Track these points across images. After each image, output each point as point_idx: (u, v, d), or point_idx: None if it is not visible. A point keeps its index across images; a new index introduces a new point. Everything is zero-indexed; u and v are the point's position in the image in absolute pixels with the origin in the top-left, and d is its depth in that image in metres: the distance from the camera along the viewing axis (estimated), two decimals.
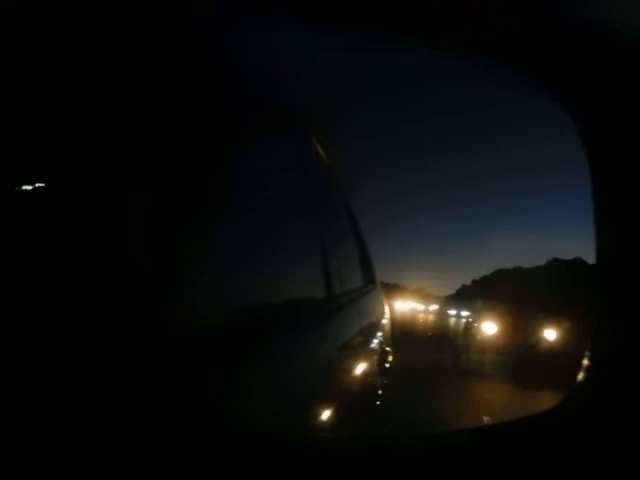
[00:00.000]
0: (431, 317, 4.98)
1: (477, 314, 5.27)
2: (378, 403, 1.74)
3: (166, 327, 0.62)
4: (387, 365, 2.05)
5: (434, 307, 4.96)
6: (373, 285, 2.42)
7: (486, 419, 2.55)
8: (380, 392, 1.82)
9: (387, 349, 2.17)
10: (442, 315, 5.27)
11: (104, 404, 0.55)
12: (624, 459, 0.81)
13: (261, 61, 0.91)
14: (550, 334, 4.71)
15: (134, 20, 0.71)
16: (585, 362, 0.97)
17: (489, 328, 5.19)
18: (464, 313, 5.38)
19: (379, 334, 2.11)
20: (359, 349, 1.58)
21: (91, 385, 0.55)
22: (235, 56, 0.85)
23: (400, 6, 0.84)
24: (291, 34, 0.88)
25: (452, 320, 5.43)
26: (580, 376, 0.96)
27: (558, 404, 0.94)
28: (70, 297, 0.57)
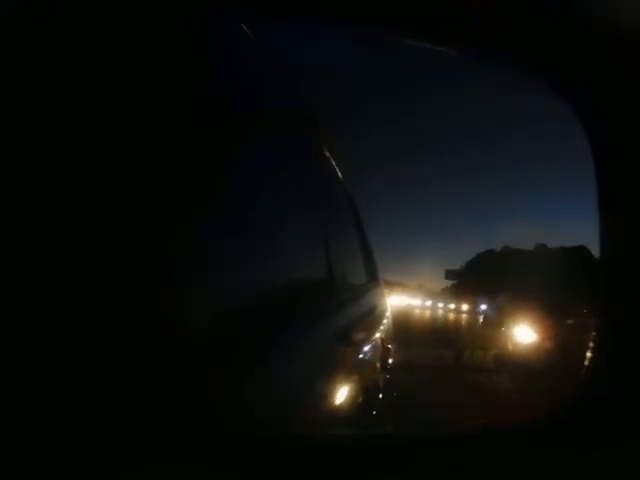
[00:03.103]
0: (432, 312, 4.65)
1: (499, 313, 4.35)
2: (379, 400, 1.74)
3: (165, 325, 0.63)
4: (389, 363, 2.05)
5: (429, 302, 4.53)
6: (376, 282, 2.42)
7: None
8: (382, 390, 1.82)
9: (389, 346, 2.17)
10: (444, 310, 4.88)
11: (103, 405, 0.55)
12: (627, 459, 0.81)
13: (261, 61, 0.91)
14: None
15: (134, 20, 0.70)
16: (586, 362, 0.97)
17: (525, 334, 3.91)
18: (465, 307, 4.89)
19: (381, 331, 2.12)
20: (361, 346, 1.58)
21: (90, 385, 0.55)
22: (235, 56, 0.85)
23: (401, 3, 0.83)
24: (291, 34, 0.88)
25: (455, 315, 5.12)
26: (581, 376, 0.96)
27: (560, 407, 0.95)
28: (69, 296, 0.57)
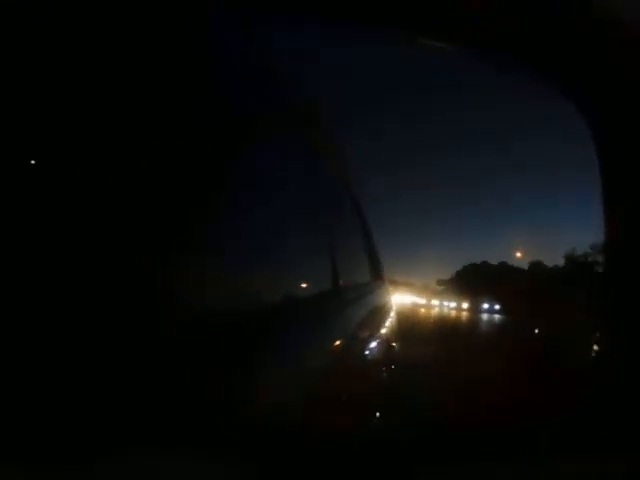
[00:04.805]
0: (434, 311, 4.65)
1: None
2: (383, 399, 1.74)
3: (170, 323, 0.63)
4: (393, 364, 2.05)
5: (435, 302, 4.59)
6: (380, 281, 2.42)
7: None
8: (386, 388, 1.82)
9: (393, 344, 2.17)
10: (441, 308, 4.87)
11: (105, 404, 0.55)
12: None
13: (261, 61, 0.91)
14: None
15: (135, 20, 0.71)
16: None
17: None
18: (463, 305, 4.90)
19: (385, 330, 2.11)
20: (365, 345, 1.58)
21: (92, 385, 0.55)
22: (235, 56, 0.85)
23: (401, 3, 0.83)
24: (291, 34, 0.88)
25: (457, 313, 5.10)
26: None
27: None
28: (70, 296, 0.57)
